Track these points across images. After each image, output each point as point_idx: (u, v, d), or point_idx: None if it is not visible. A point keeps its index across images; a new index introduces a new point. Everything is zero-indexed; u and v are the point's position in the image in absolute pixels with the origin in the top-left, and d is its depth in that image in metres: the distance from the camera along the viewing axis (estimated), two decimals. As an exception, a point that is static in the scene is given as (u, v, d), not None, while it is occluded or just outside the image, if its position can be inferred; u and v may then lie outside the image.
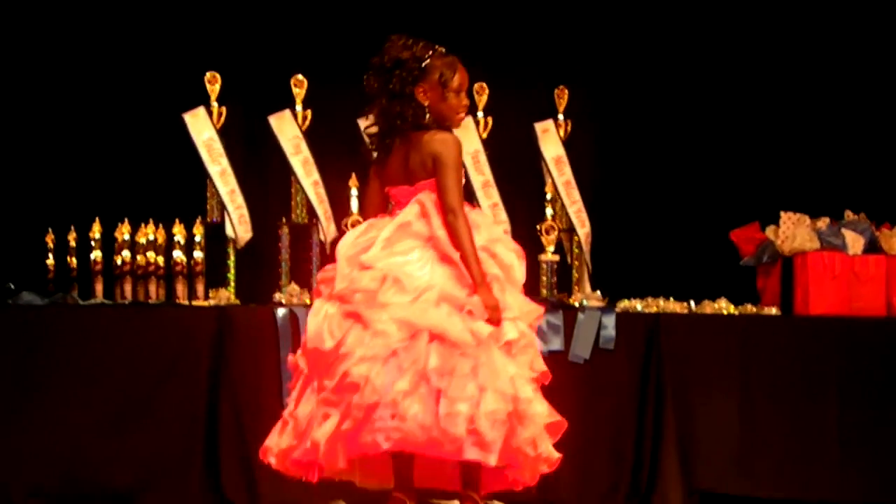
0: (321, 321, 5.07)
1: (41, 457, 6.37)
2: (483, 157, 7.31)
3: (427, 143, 5.16)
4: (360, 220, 7.06)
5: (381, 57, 5.17)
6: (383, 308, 4.98)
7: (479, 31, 7.83)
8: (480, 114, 7.36)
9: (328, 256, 7.08)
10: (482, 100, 7.37)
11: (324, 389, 4.98)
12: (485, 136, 7.37)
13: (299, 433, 5.03)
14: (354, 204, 7.09)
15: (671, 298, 7.24)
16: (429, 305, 4.99)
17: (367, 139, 5.31)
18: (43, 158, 7.43)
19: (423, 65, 5.17)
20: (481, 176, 7.30)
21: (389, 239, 5.09)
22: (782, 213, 7.51)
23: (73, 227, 6.88)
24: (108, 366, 6.46)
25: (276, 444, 5.10)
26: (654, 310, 7.14)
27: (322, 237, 7.09)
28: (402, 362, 4.92)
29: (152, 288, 6.82)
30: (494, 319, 5.00)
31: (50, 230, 6.92)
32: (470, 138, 7.29)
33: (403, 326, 4.95)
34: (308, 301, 6.88)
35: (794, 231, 7.45)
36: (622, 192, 8.10)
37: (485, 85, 7.37)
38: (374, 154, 5.25)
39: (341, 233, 7.07)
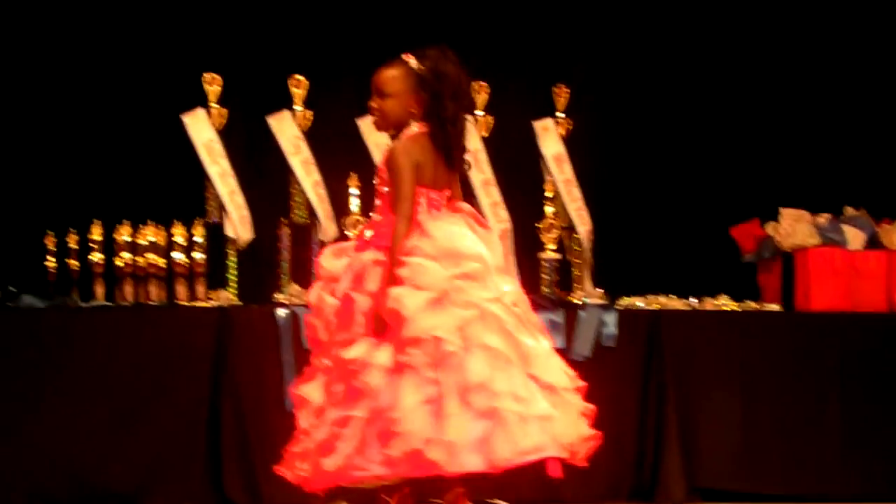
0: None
1: (43, 459, 6.36)
2: (483, 156, 7.31)
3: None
4: (361, 219, 7.06)
5: (456, 65, 5.16)
6: None
7: (479, 29, 7.82)
8: (480, 112, 7.35)
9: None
10: (482, 98, 7.36)
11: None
12: (485, 134, 7.37)
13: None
14: (354, 203, 7.08)
15: (672, 295, 7.24)
16: None
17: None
18: (42, 160, 7.42)
19: None
20: (481, 174, 7.29)
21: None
22: (782, 210, 7.51)
23: (72, 230, 6.88)
24: (110, 368, 6.46)
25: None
26: (655, 307, 7.14)
27: (322, 237, 7.09)
28: None
29: (153, 289, 6.82)
30: None
31: (50, 232, 6.91)
32: (470, 137, 7.27)
33: None
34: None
35: (795, 227, 7.45)
36: (623, 190, 8.09)
37: (484, 83, 7.36)
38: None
39: (342, 232, 7.07)
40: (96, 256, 6.82)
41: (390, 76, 5.12)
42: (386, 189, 5.12)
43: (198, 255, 6.86)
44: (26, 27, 7.44)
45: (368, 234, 5.15)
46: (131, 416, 6.45)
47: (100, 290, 6.81)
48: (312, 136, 7.16)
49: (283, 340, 6.59)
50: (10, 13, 7.38)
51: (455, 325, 4.95)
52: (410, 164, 5.06)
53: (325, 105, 7.26)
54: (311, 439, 5.03)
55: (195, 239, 6.88)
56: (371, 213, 5.28)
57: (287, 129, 7.12)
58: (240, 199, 7.00)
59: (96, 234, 6.83)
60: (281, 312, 6.63)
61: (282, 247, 7.06)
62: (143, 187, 7.32)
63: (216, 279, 6.92)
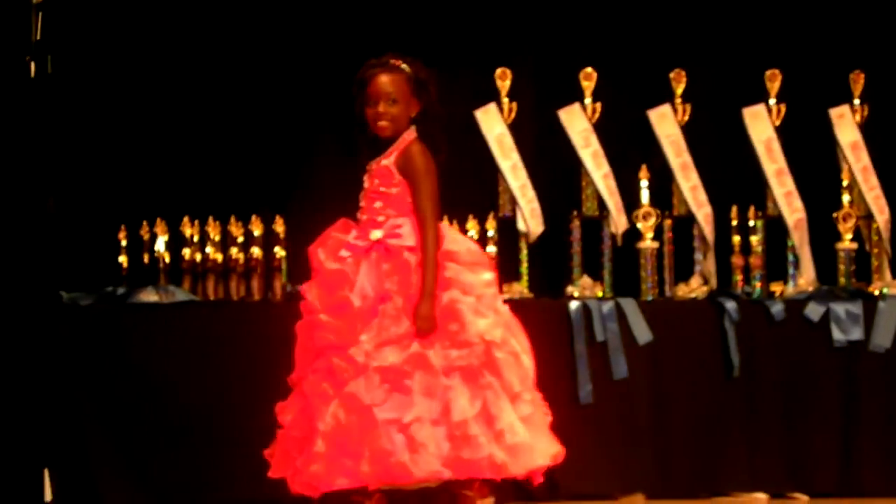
0: None
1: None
2: (776, 145, 7.19)
3: None
4: (650, 211, 7.05)
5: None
6: None
7: (772, 17, 7.69)
8: (773, 101, 7.24)
9: (620, 248, 7.08)
10: (774, 87, 7.25)
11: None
12: (777, 123, 7.25)
13: None
14: (645, 195, 7.06)
15: (977, 284, 7.00)
16: None
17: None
18: (331, 156, 7.56)
19: None
20: (774, 164, 7.18)
21: None
22: None
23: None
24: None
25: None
26: (959, 297, 6.92)
27: (613, 229, 7.08)
28: None
29: (447, 283, 6.91)
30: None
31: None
32: (762, 126, 7.19)
33: None
34: (600, 294, 6.89)
35: None
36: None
37: (777, 71, 7.25)
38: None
39: (632, 224, 7.06)
40: (392, 251, 6.95)
41: (397, 82, 5.07)
42: (395, 190, 5.06)
43: (490, 249, 6.94)
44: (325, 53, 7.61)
45: (378, 234, 5.04)
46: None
47: (396, 284, 6.95)
48: (602, 128, 7.17)
49: (576, 333, 6.61)
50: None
51: (501, 331, 4.99)
52: (433, 166, 5.08)
53: (615, 97, 7.26)
54: (351, 442, 4.88)
55: (488, 232, 6.97)
56: (359, 214, 5.13)
57: (577, 122, 7.14)
58: (531, 192, 7.05)
59: (393, 229, 6.97)
60: (573, 305, 6.65)
61: (573, 240, 7.09)
62: (439, 182, 7.41)
63: (509, 272, 6.98)
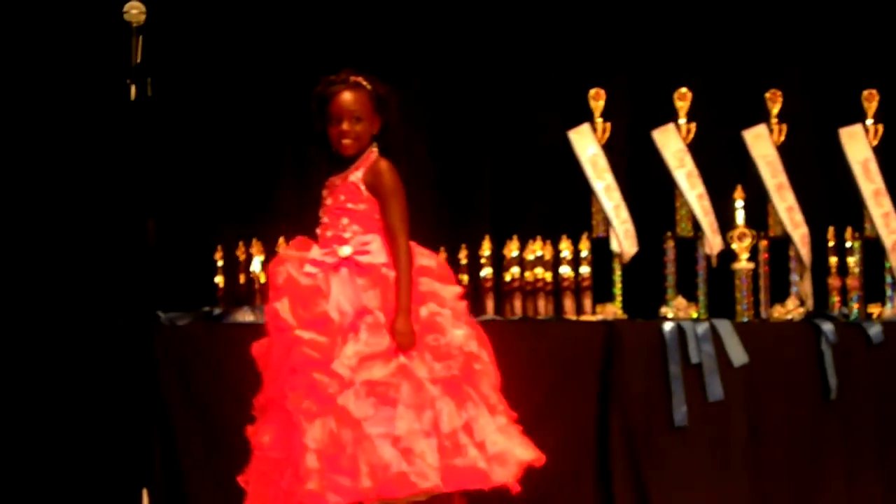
0: None
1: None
2: (874, 166, 7.13)
3: None
4: (746, 232, 7.01)
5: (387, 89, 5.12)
6: None
7: (868, 37, 7.62)
8: (870, 121, 7.18)
9: (715, 269, 7.04)
10: (872, 107, 7.18)
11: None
12: (875, 143, 7.18)
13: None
14: (740, 216, 7.02)
15: None
16: None
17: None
18: (432, 179, 7.59)
19: None
20: (872, 184, 7.12)
21: None
22: None
23: (463, 245, 7.04)
24: (500, 380, 6.56)
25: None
26: None
27: (708, 250, 7.05)
28: None
29: (541, 303, 6.91)
30: None
31: (442, 249, 7.09)
32: (859, 146, 7.12)
33: None
34: (695, 315, 6.85)
35: None
36: None
37: (874, 91, 7.19)
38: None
39: (727, 245, 7.02)
40: (486, 271, 6.97)
41: (360, 99, 5.06)
42: (363, 206, 5.06)
43: (584, 270, 6.93)
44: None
45: (347, 250, 5.03)
46: (521, 427, 6.52)
47: (490, 305, 6.96)
48: (696, 148, 7.14)
49: (670, 354, 6.58)
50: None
51: (475, 342, 5.02)
52: (401, 183, 5.06)
53: (710, 117, 7.22)
54: (344, 457, 4.86)
55: (581, 253, 6.95)
56: (320, 229, 5.15)
57: (671, 143, 7.11)
58: (624, 213, 7.03)
59: (486, 249, 6.99)
60: (667, 326, 6.62)
61: (667, 260, 7.06)
62: (531, 203, 7.42)
63: (602, 293, 6.96)
